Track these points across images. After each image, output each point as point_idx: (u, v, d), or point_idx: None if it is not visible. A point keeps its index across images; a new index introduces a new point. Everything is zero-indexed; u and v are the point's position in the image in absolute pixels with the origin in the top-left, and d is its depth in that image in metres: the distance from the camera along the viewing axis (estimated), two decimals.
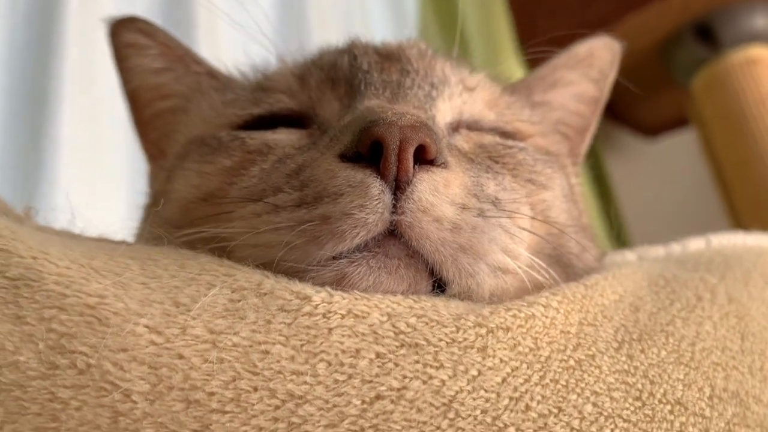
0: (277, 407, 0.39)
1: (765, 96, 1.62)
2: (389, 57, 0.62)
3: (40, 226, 0.53)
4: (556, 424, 0.41)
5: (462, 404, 0.41)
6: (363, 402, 0.40)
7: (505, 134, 0.62)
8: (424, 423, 0.40)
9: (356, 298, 0.44)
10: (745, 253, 0.62)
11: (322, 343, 0.42)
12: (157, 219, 0.58)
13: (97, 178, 1.29)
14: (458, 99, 0.61)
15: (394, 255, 0.46)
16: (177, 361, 0.40)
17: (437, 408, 0.40)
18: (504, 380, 0.42)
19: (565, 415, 0.42)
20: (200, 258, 0.47)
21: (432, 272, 0.47)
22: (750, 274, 0.58)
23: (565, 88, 0.73)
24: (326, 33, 1.55)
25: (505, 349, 0.44)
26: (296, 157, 0.53)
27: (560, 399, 0.42)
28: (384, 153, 0.46)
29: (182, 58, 0.70)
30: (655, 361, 0.46)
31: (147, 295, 0.43)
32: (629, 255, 0.66)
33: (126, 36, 0.70)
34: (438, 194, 0.47)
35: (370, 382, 0.41)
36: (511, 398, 0.42)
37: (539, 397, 0.42)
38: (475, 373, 0.42)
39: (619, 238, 1.44)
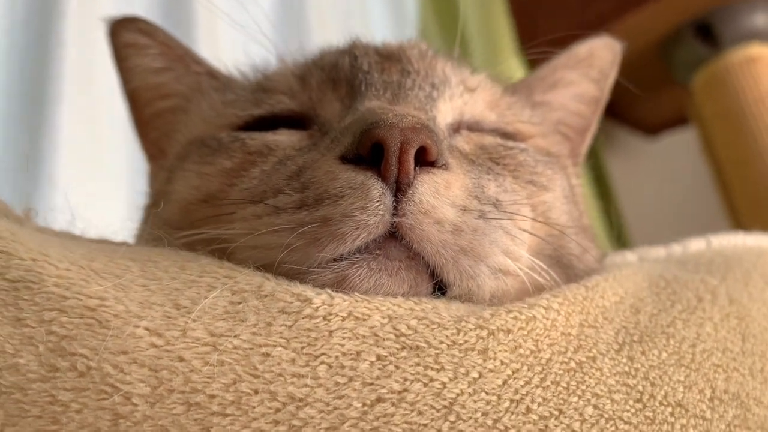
0: (277, 410, 0.39)
1: (765, 94, 1.62)
2: (390, 57, 0.62)
3: (40, 227, 0.53)
4: (556, 426, 0.41)
5: (463, 407, 0.41)
6: (364, 404, 0.40)
7: (506, 135, 0.62)
8: (425, 425, 0.40)
9: (357, 301, 0.44)
10: (746, 253, 0.62)
11: (322, 345, 0.42)
12: (157, 220, 0.58)
13: (97, 178, 1.29)
14: (459, 100, 0.61)
15: (394, 257, 0.46)
16: (177, 364, 0.40)
17: (438, 410, 0.40)
18: (505, 382, 0.42)
19: (565, 417, 0.42)
20: (201, 260, 0.47)
21: (433, 274, 0.47)
22: (750, 275, 0.58)
23: (565, 88, 0.73)
24: (326, 33, 1.55)
25: (506, 351, 0.44)
26: (297, 158, 0.53)
27: (561, 401, 0.42)
28: (385, 155, 0.46)
29: (182, 57, 0.70)
30: (656, 363, 0.46)
31: (147, 297, 0.43)
32: (630, 256, 0.66)
33: (126, 36, 0.69)
34: (439, 196, 0.46)
35: (371, 384, 0.41)
36: (512, 400, 0.42)
37: (540, 400, 0.42)
38: (476, 375, 0.42)
39: (620, 238, 1.44)
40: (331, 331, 0.42)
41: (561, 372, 0.44)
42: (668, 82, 1.88)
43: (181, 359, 0.40)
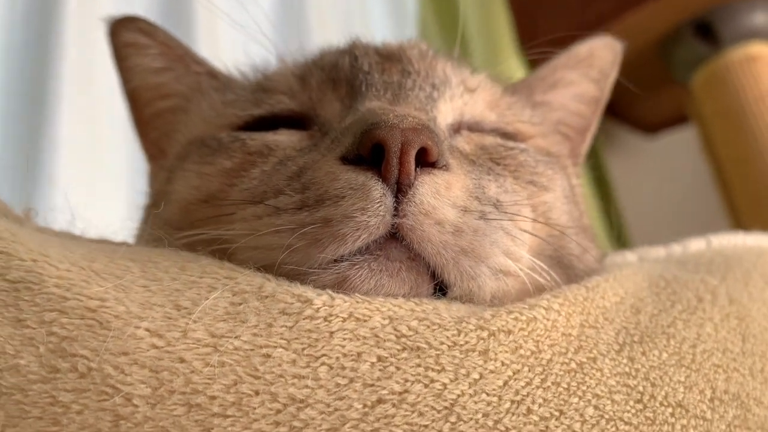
0: (278, 411, 0.39)
1: (765, 93, 1.61)
2: (390, 58, 0.62)
3: (40, 227, 0.53)
4: (557, 427, 0.41)
5: (463, 408, 0.41)
6: (364, 406, 0.40)
7: (506, 135, 0.62)
8: (426, 427, 0.40)
9: (357, 302, 0.44)
10: (746, 253, 0.62)
11: (323, 346, 0.42)
12: (157, 220, 0.58)
13: (97, 178, 1.29)
14: (459, 100, 0.61)
15: (395, 258, 0.46)
16: (178, 365, 0.40)
17: (439, 412, 0.40)
18: (505, 383, 0.42)
19: (566, 418, 0.42)
20: (201, 260, 0.47)
21: (433, 275, 0.47)
22: (750, 275, 0.58)
23: (565, 88, 0.73)
24: (326, 33, 1.55)
25: (506, 352, 0.44)
26: (297, 159, 0.53)
27: (562, 402, 0.42)
28: (385, 156, 0.46)
29: (182, 57, 0.70)
30: (657, 364, 0.46)
31: (148, 298, 0.43)
32: (630, 256, 0.66)
33: (126, 35, 0.69)
34: (439, 197, 0.46)
35: (372, 385, 0.41)
36: (512, 401, 0.42)
37: (541, 400, 0.42)
38: (476, 376, 0.42)
39: (620, 238, 1.44)
40: (331, 332, 0.42)
41: (562, 373, 0.44)
42: (668, 81, 1.88)
43: (182, 360, 0.40)
